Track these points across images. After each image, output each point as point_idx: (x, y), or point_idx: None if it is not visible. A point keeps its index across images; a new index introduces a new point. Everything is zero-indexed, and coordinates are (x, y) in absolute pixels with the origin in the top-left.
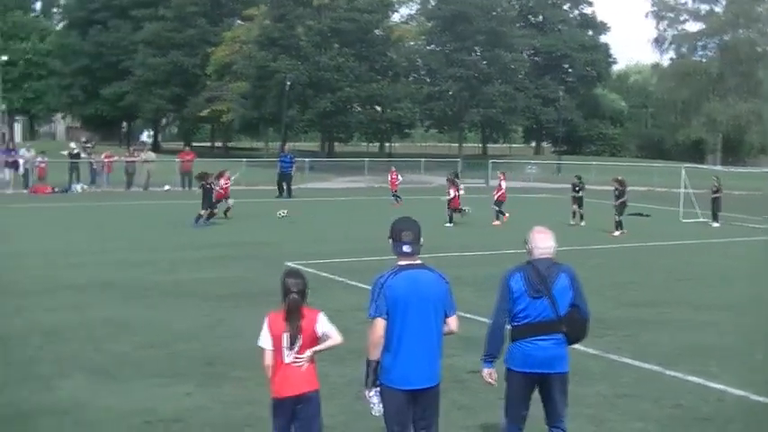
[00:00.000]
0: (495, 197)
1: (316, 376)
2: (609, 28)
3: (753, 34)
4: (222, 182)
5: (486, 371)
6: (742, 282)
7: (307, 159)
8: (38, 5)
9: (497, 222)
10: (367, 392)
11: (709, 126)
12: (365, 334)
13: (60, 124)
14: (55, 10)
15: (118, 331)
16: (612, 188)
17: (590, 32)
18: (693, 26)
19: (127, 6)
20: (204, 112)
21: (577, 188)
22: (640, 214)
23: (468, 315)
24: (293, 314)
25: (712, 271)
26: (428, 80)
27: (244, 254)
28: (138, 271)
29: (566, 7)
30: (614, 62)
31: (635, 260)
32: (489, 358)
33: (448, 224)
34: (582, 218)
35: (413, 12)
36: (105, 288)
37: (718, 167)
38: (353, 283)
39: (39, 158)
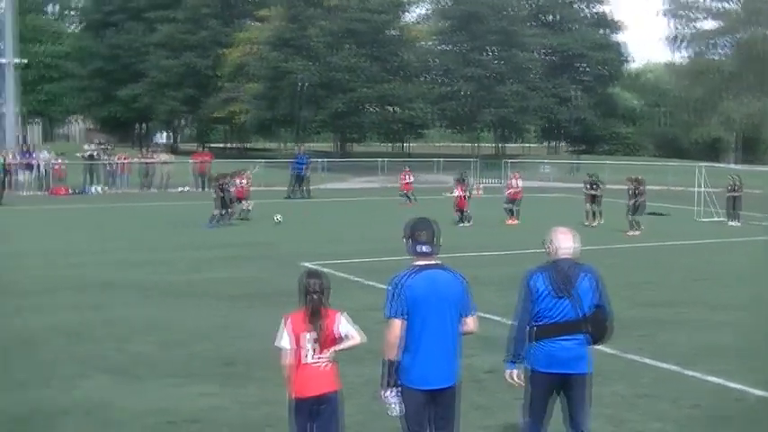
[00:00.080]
0: (510, 196)
1: (336, 377)
2: (623, 27)
3: None
4: (238, 181)
5: (509, 372)
6: (759, 281)
7: (321, 160)
8: (54, 8)
9: (514, 221)
10: (383, 393)
11: (725, 124)
12: (382, 334)
13: (77, 126)
14: (71, 13)
15: (137, 331)
16: (626, 187)
17: (604, 31)
18: (708, 24)
19: (141, 9)
20: (218, 114)
21: (594, 186)
22: (657, 213)
23: (487, 315)
24: (316, 314)
25: (729, 270)
26: (441, 80)
27: (259, 254)
28: (155, 271)
29: (579, 6)
30: (628, 61)
31: (651, 260)
32: (513, 359)
33: (464, 224)
34: (600, 216)
35: (425, 12)
36: (123, 288)
37: (734, 166)
38: (370, 282)
39: (56, 160)
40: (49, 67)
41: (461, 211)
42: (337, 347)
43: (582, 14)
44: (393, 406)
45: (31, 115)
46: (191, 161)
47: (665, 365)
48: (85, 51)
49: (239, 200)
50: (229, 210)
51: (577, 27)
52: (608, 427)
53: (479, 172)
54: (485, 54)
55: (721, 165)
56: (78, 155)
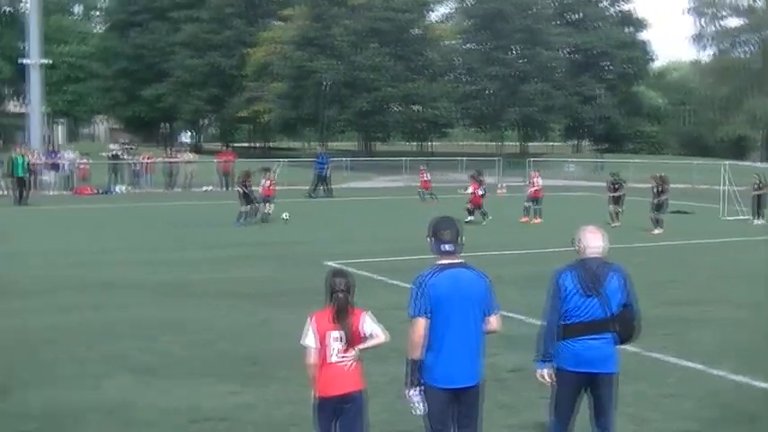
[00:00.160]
0: (531, 194)
1: (361, 376)
2: (648, 25)
3: None
4: (263, 182)
5: (540, 371)
6: None
7: (345, 159)
8: (78, 9)
9: (537, 220)
10: (407, 392)
11: (750, 122)
12: (406, 333)
13: (101, 126)
14: (95, 13)
15: (161, 331)
16: (651, 185)
17: (628, 29)
18: (733, 22)
19: (165, 8)
20: (243, 113)
21: (616, 186)
22: (681, 212)
23: (510, 314)
24: (342, 313)
25: (755, 269)
26: (466, 79)
27: (282, 253)
28: (180, 270)
29: (603, 5)
30: (653, 59)
31: (676, 258)
32: (543, 358)
33: (471, 217)
34: (621, 214)
35: (450, 11)
36: (149, 287)
37: (759, 164)
38: (394, 281)
39: (80, 160)
40: (74, 68)
41: (477, 208)
42: (362, 346)
43: (607, 13)
44: (417, 405)
45: (56, 115)
46: (215, 161)
47: (689, 364)
48: (110, 51)
49: (266, 198)
50: (255, 205)
51: (602, 25)
52: (630, 426)
53: (503, 171)
54: (509, 53)
55: (746, 163)
56: (103, 155)
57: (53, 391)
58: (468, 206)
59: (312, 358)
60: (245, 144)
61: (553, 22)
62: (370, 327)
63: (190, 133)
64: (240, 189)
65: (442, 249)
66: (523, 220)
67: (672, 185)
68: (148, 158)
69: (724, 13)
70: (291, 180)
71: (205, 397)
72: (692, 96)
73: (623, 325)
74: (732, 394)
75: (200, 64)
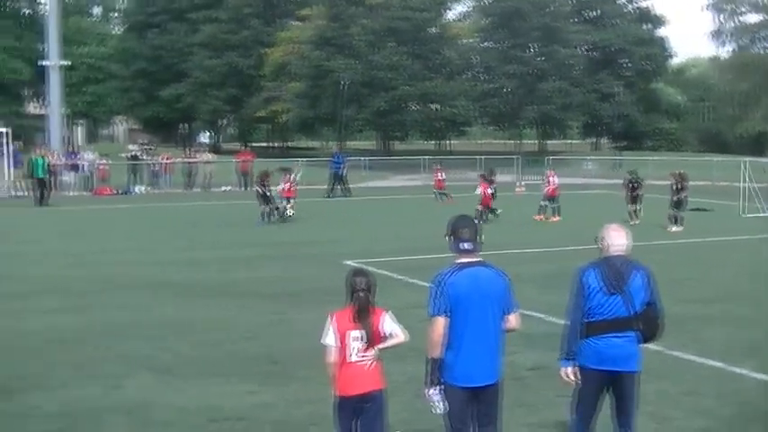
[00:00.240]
0: (548, 193)
1: (381, 375)
2: (666, 21)
3: None
4: (282, 185)
5: (564, 369)
6: None
7: (363, 158)
8: (97, 10)
9: (555, 218)
10: (427, 390)
11: None
12: (426, 332)
13: (120, 127)
14: (114, 14)
15: (181, 330)
16: (670, 182)
17: (647, 26)
18: (752, 18)
19: (183, 9)
20: (261, 113)
21: (635, 185)
22: (701, 209)
23: (529, 312)
24: (363, 312)
25: None
26: (483, 77)
27: (302, 253)
28: (199, 270)
29: (621, 1)
30: (672, 56)
31: (695, 256)
32: (568, 356)
33: (490, 218)
34: (637, 214)
35: (467, 9)
36: (168, 287)
37: None
38: (413, 280)
39: (100, 161)
40: (93, 69)
41: (487, 208)
42: (382, 346)
43: (625, 10)
44: (437, 404)
45: (75, 117)
46: (234, 160)
47: (709, 362)
48: (129, 52)
49: (287, 198)
50: (275, 205)
51: (620, 22)
52: (651, 424)
53: (521, 169)
54: (527, 51)
55: (766, 159)
56: (122, 155)
57: (72, 391)
58: (479, 207)
59: (332, 357)
60: (264, 144)
61: (571, 20)
62: (390, 326)
63: (208, 133)
64: (259, 189)
65: (461, 248)
66: (538, 218)
67: (691, 183)
68: (167, 159)
69: (743, 9)
70: (310, 180)
71: (224, 396)
72: (711, 93)
73: (647, 323)
74: (752, 392)
75: (219, 64)
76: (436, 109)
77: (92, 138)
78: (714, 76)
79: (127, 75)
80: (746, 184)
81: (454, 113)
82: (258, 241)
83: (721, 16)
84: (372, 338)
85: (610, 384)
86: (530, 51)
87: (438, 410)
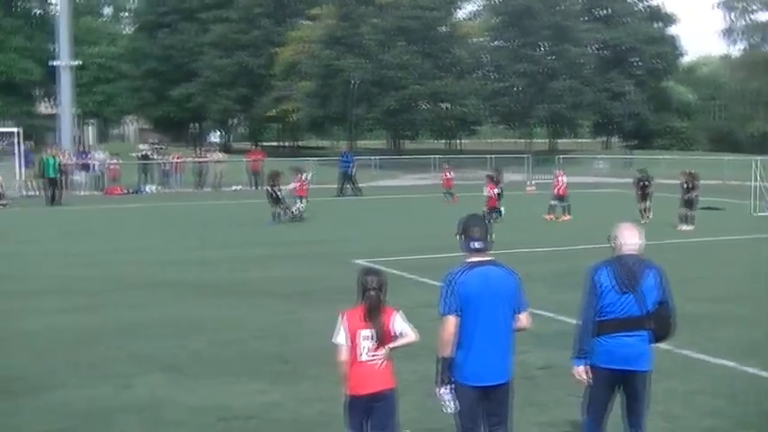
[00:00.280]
0: (558, 192)
1: (392, 374)
2: (677, 20)
3: None
4: (292, 185)
5: (577, 368)
6: None
7: (374, 157)
8: (108, 10)
9: (566, 217)
10: (438, 390)
11: None
12: (436, 331)
13: (131, 126)
14: (124, 14)
15: (192, 329)
16: (681, 181)
17: (657, 25)
18: (763, 16)
19: (194, 9)
20: (271, 112)
21: (645, 183)
22: (712, 208)
23: (540, 311)
24: (374, 311)
25: None
26: (494, 76)
27: (313, 252)
28: (211, 270)
29: (632, 0)
30: (683, 54)
31: (706, 255)
32: (581, 355)
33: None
34: (648, 212)
35: (477, 8)
36: (179, 287)
37: None
38: (424, 279)
39: (111, 160)
40: (104, 69)
41: (493, 209)
42: (392, 345)
43: (635, 8)
44: (447, 403)
45: (86, 116)
46: (245, 160)
47: (720, 361)
48: (139, 52)
49: (300, 198)
50: (285, 205)
51: (630, 21)
52: (662, 423)
53: (532, 168)
54: (537, 50)
55: None
56: (133, 155)
57: (82, 390)
58: (485, 208)
59: (343, 356)
60: (274, 143)
61: (581, 18)
62: (401, 325)
63: (218, 133)
64: (269, 190)
65: (472, 247)
66: (548, 217)
67: (702, 182)
68: (178, 158)
69: (754, 8)
70: (320, 179)
71: (234, 395)
72: (722, 91)
73: (659, 322)
74: (764, 392)
75: (229, 64)
76: (446, 108)
77: (102, 137)
78: (725, 74)
79: (137, 74)
80: (758, 183)
81: (465, 112)
82: (269, 241)
83: (732, 14)
84: (382, 337)
85: (620, 383)
86: (540, 50)
87: (449, 410)
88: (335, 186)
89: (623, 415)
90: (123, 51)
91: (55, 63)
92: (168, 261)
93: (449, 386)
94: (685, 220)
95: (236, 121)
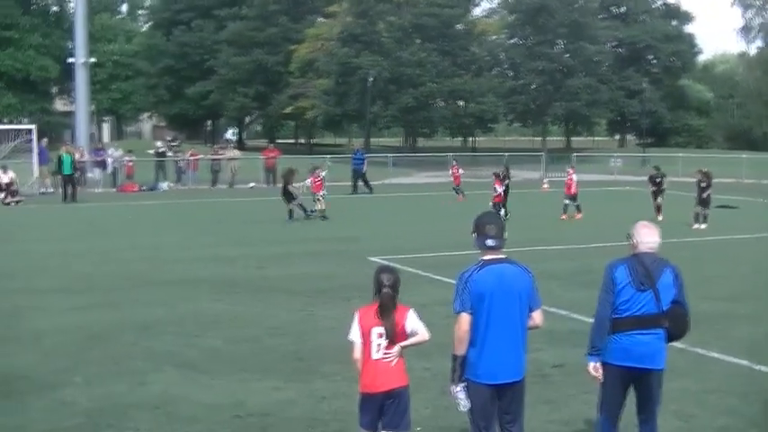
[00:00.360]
0: (572, 191)
1: (405, 372)
2: (694, 18)
3: None
4: (308, 181)
5: (592, 365)
6: None
7: (389, 155)
8: (124, 8)
9: (578, 215)
10: (453, 388)
11: None
12: (450, 328)
13: (146, 124)
14: (140, 12)
15: (208, 326)
16: (697, 179)
17: (674, 22)
18: None
19: (210, 6)
20: (288, 110)
21: (658, 180)
22: (727, 206)
23: (553, 309)
24: (387, 309)
25: None
26: (511, 74)
27: (328, 250)
28: (226, 267)
29: None
30: (699, 52)
31: (721, 253)
32: (595, 351)
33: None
34: (659, 211)
35: (494, 6)
36: (194, 284)
37: None
38: (438, 277)
39: (126, 157)
40: (120, 66)
41: (499, 204)
42: (404, 343)
43: (652, 6)
44: (461, 401)
45: (102, 114)
46: (261, 157)
47: (735, 360)
48: (155, 49)
49: (316, 195)
50: (297, 202)
51: (647, 18)
52: (675, 422)
53: (547, 166)
54: (554, 47)
55: None
56: (150, 152)
57: (98, 386)
58: (495, 205)
59: (357, 353)
60: (290, 141)
61: (598, 16)
62: (414, 324)
63: (233, 130)
64: (285, 187)
65: (486, 245)
66: (564, 217)
67: (719, 180)
68: (193, 155)
69: None
70: (335, 177)
71: (249, 392)
72: (739, 89)
73: (675, 321)
74: None
75: (246, 61)
76: (463, 106)
77: (119, 135)
78: (742, 72)
79: (153, 72)
80: None
81: (482, 110)
82: (284, 238)
83: (749, 12)
84: (393, 335)
85: (634, 381)
86: (557, 48)
87: (463, 408)
88: (350, 184)
89: (635, 413)
90: (139, 49)
91: (71, 60)
92: (183, 258)
93: (463, 384)
94: (703, 219)
95: (251, 118)
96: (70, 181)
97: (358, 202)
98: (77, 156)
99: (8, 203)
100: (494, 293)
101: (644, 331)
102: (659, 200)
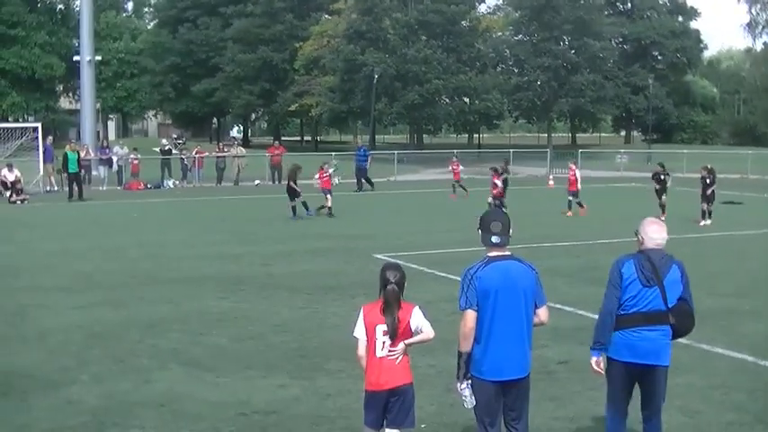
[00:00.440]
0: (577, 187)
1: (409, 369)
2: (699, 13)
3: None
4: (317, 177)
5: (594, 359)
6: None
7: (394, 152)
8: (130, 5)
9: (582, 211)
10: (459, 385)
11: None
12: (455, 325)
13: (152, 121)
14: (146, 9)
15: (213, 324)
16: (702, 176)
17: (680, 18)
18: None
19: (216, 4)
20: (293, 107)
21: (662, 177)
22: (732, 202)
23: (558, 306)
24: (391, 306)
25: None
26: (516, 71)
27: (334, 247)
28: (231, 264)
29: None
30: (705, 48)
31: (727, 249)
32: (598, 346)
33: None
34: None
35: (499, 2)
36: (200, 281)
37: None
38: (443, 274)
39: (131, 155)
40: (125, 64)
41: (497, 200)
42: (409, 341)
43: (659, 2)
44: (467, 398)
45: (107, 111)
46: (266, 154)
47: (739, 356)
48: (160, 47)
49: (324, 191)
50: (303, 200)
51: (652, 14)
52: (681, 417)
53: (552, 162)
54: (559, 44)
55: None
56: (155, 149)
57: (103, 384)
58: (489, 199)
59: (362, 350)
60: (296, 138)
61: (603, 12)
62: (418, 321)
63: (239, 128)
64: (290, 185)
65: (491, 242)
66: (569, 213)
67: (724, 176)
68: (199, 153)
69: None
70: (341, 174)
71: (254, 390)
72: (745, 85)
73: (680, 318)
74: None
75: (252, 58)
76: (468, 102)
77: (124, 132)
78: (748, 68)
79: (159, 70)
80: None
81: (487, 107)
82: (289, 235)
83: (755, 7)
84: (396, 332)
85: (639, 377)
86: (562, 44)
87: (469, 405)
88: (354, 181)
89: (640, 408)
90: (145, 46)
91: (77, 58)
92: (188, 256)
93: (469, 381)
94: (709, 215)
95: (257, 115)
96: (76, 179)
97: (363, 199)
98: (83, 154)
99: (14, 202)
100: (499, 290)
101: (650, 328)
102: (663, 198)
